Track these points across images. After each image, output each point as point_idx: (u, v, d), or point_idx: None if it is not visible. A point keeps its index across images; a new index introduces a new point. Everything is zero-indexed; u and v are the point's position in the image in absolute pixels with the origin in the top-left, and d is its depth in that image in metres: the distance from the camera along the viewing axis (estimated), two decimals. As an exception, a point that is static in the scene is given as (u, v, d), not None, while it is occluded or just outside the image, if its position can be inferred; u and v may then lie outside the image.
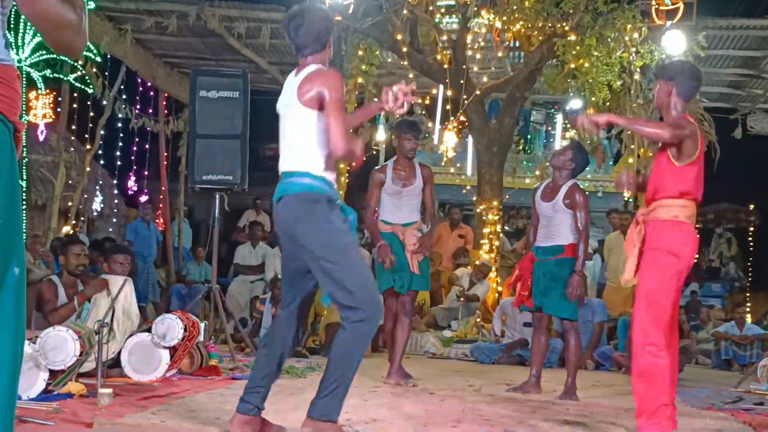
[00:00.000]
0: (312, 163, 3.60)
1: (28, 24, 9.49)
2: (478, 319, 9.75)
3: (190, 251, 13.21)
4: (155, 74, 12.42)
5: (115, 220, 14.56)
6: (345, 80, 8.97)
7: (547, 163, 9.19)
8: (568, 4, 9.51)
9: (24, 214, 7.26)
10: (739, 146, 12.10)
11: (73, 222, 11.91)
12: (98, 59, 10.62)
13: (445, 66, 10.57)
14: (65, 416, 3.91)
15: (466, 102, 10.44)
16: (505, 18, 10.00)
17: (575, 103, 13.21)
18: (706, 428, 4.61)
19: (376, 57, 10.51)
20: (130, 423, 3.87)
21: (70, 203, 11.67)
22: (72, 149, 11.91)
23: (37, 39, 9.82)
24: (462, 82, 10.44)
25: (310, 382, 5.68)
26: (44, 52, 10.03)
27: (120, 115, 12.31)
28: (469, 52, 10.96)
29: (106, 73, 11.41)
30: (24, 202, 9.23)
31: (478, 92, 10.64)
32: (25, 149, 9.71)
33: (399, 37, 10.29)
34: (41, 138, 11.17)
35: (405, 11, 10.13)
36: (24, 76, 9.68)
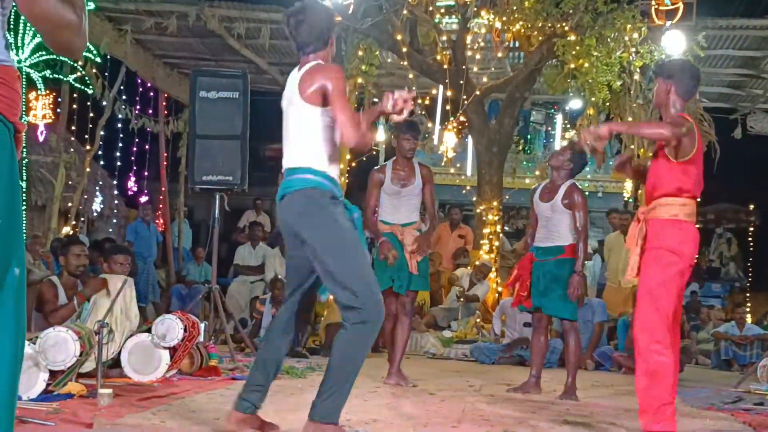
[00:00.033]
0: (314, 159, 3.55)
1: (28, 25, 9.49)
2: (478, 320, 9.75)
3: (190, 252, 13.21)
4: (155, 75, 12.42)
5: (115, 220, 14.56)
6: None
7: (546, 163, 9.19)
8: (568, 4, 9.52)
9: (24, 215, 7.26)
10: (739, 146, 12.11)
11: (73, 222, 11.91)
12: (98, 60, 10.63)
13: (445, 66, 10.57)
14: (65, 416, 3.90)
15: (465, 102, 10.44)
16: (504, 18, 10.01)
17: (575, 104, 13.23)
18: (705, 428, 4.61)
19: (375, 57, 10.51)
20: (130, 423, 3.87)
21: (70, 204, 11.67)
22: (72, 150, 11.92)
23: (37, 40, 9.82)
24: (462, 82, 10.44)
25: (310, 382, 5.68)
26: (44, 52, 10.03)
27: (120, 116, 12.31)
28: (469, 53, 10.97)
29: (106, 74, 11.42)
30: (24, 203, 9.22)
31: (477, 92, 10.65)
32: (25, 150, 9.72)
33: (399, 37, 10.29)
34: (41, 139, 11.18)
35: (405, 11, 10.13)
36: (24, 76, 9.68)
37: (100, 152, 12.45)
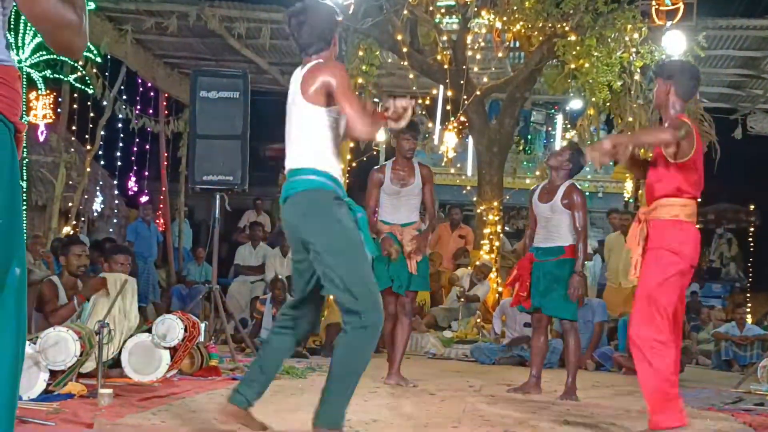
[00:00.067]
0: (317, 160, 3.49)
1: (29, 24, 9.48)
2: (479, 320, 9.75)
3: (191, 252, 13.22)
4: (155, 75, 12.42)
5: (115, 220, 14.57)
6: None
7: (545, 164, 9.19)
8: (569, 4, 9.51)
9: (24, 215, 7.26)
10: (740, 146, 12.11)
11: (74, 222, 11.91)
12: (98, 60, 10.63)
13: (446, 66, 10.57)
14: (66, 416, 3.90)
15: (466, 102, 10.44)
16: (505, 18, 10.00)
17: (575, 104, 13.23)
18: (706, 429, 4.60)
19: (376, 57, 10.51)
20: (130, 423, 3.87)
21: (70, 204, 11.67)
22: (72, 150, 11.92)
23: (38, 39, 9.82)
24: (462, 82, 10.44)
25: (310, 382, 5.69)
26: (44, 52, 10.03)
27: (120, 116, 12.32)
28: (470, 53, 10.97)
29: (107, 74, 11.42)
30: (24, 203, 9.22)
31: (478, 92, 10.64)
32: (25, 150, 9.72)
33: (399, 37, 10.29)
34: (41, 138, 11.19)
35: (405, 11, 10.13)
36: (24, 76, 9.68)
37: (100, 152, 12.45)
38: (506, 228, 13.35)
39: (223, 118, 7.14)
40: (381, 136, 11.90)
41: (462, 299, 9.80)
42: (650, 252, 4.11)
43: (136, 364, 5.27)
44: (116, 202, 14.57)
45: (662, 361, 3.94)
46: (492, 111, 12.42)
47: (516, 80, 10.93)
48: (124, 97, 12.35)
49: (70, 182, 11.64)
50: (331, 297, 3.70)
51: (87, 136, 11.97)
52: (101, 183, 13.96)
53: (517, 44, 11.17)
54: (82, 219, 12.86)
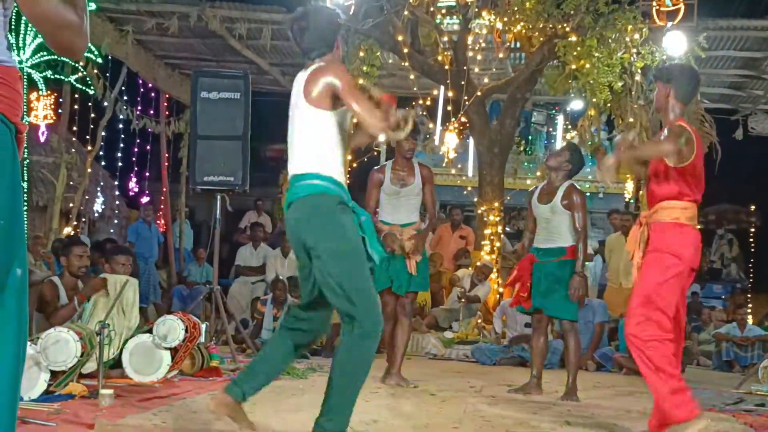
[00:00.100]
0: (320, 164, 3.45)
1: (29, 25, 9.50)
2: (479, 321, 9.75)
3: (192, 252, 13.22)
4: (156, 75, 12.43)
5: (116, 221, 14.56)
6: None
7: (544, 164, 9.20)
8: (569, 5, 9.52)
9: (25, 216, 7.28)
10: (740, 147, 12.11)
11: (74, 223, 11.91)
12: (99, 60, 10.64)
13: (446, 67, 10.57)
14: (66, 417, 3.91)
15: (467, 103, 10.44)
16: (506, 19, 10.01)
17: (576, 104, 13.22)
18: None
19: (377, 58, 10.51)
20: (131, 424, 3.87)
21: (71, 204, 11.68)
22: (73, 150, 11.93)
23: (39, 40, 9.83)
24: (463, 83, 10.44)
25: (311, 383, 5.69)
26: (45, 53, 10.05)
27: (121, 117, 12.33)
28: (470, 53, 10.96)
29: (107, 75, 11.43)
30: (25, 204, 9.23)
31: (479, 93, 10.64)
32: (26, 150, 9.72)
33: (400, 38, 10.29)
34: (42, 139, 11.19)
35: (406, 12, 10.13)
36: (25, 77, 9.69)
37: (101, 153, 12.47)
38: (507, 229, 13.35)
39: (224, 118, 7.14)
40: (381, 136, 11.91)
41: (463, 300, 9.80)
42: (651, 254, 4.12)
43: (137, 364, 5.27)
44: (117, 202, 14.57)
45: (661, 357, 3.94)
46: (493, 112, 12.42)
47: (517, 81, 10.93)
48: (125, 97, 12.36)
49: (71, 183, 11.65)
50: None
51: (88, 137, 11.98)
52: (102, 184, 13.96)
53: (518, 45, 11.17)
54: (83, 220, 12.87)
